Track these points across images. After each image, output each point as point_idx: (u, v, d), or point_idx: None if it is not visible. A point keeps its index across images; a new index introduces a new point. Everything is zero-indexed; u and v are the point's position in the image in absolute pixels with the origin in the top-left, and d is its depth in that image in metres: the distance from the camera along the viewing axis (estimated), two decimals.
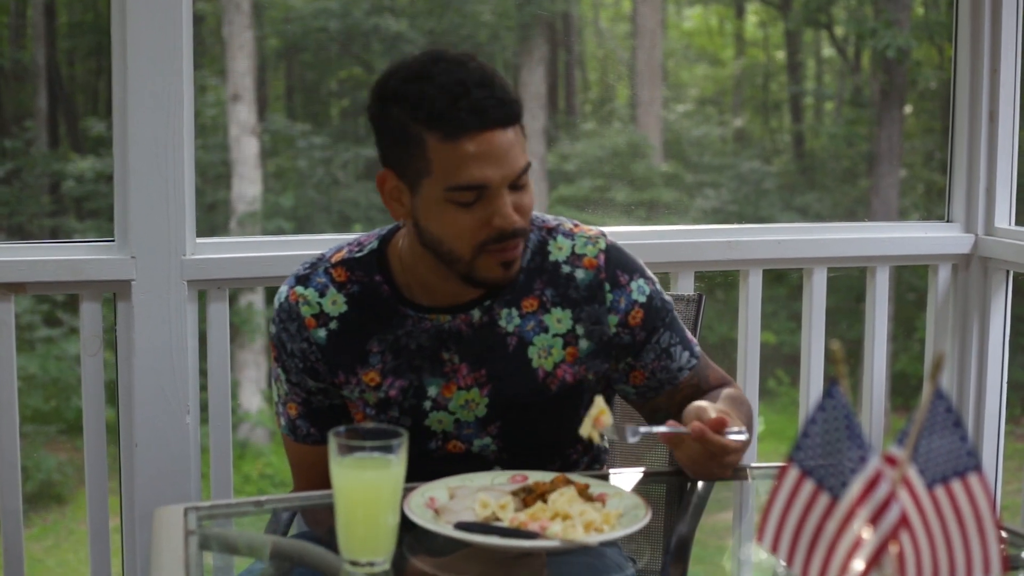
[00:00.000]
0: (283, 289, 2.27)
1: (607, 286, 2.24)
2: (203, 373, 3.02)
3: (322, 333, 2.21)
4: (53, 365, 9.06)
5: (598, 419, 2.03)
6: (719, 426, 2.00)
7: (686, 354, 2.31)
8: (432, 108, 2.03)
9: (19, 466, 2.92)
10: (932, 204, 11.46)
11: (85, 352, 2.94)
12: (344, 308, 2.22)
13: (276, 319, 2.26)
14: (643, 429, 2.06)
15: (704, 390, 2.34)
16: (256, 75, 10.69)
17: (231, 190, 10.31)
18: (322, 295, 2.22)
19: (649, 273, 2.31)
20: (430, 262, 2.15)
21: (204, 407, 3.05)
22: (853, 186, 11.96)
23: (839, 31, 12.29)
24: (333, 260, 2.26)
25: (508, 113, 2.05)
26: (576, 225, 2.30)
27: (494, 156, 2.04)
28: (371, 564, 1.74)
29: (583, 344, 2.23)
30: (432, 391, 2.21)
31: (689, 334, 2.35)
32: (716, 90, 12.85)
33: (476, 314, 2.20)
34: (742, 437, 2.02)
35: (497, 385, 2.21)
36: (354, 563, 1.75)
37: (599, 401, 2.05)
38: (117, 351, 2.94)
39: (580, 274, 2.23)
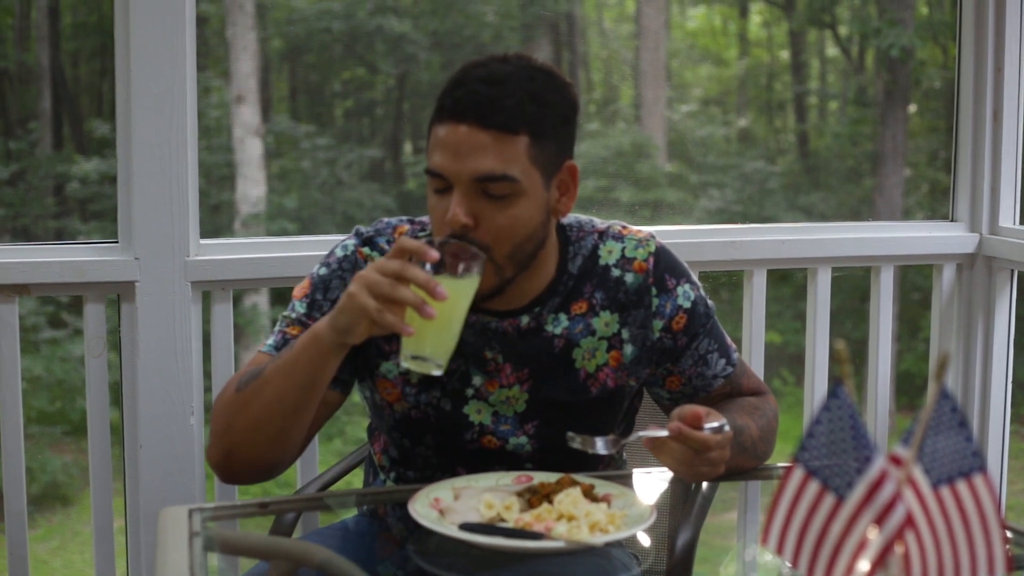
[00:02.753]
0: (348, 243, 2.26)
1: (654, 290, 2.24)
2: (207, 375, 3.01)
3: None
4: (58, 366, 9.07)
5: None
6: (695, 420, 1.98)
7: (722, 361, 2.31)
8: (440, 93, 2.08)
9: (24, 467, 2.92)
10: (936, 203, 11.45)
11: (89, 353, 2.94)
12: None
13: (332, 264, 2.24)
14: (613, 439, 2.06)
15: (734, 397, 2.33)
16: (260, 76, 10.69)
17: (235, 191, 10.32)
18: None
19: (694, 278, 2.30)
20: None
21: (208, 409, 3.04)
22: (857, 186, 11.95)
23: (843, 31, 12.29)
24: (396, 235, 2.26)
25: (489, 114, 2.04)
26: (624, 227, 2.29)
27: (457, 150, 2.04)
28: (431, 362, 1.93)
29: (628, 349, 2.23)
30: (476, 380, 2.21)
31: (729, 341, 2.34)
32: (720, 90, 12.85)
33: (524, 319, 2.20)
34: (718, 425, 2.00)
35: (538, 383, 2.21)
36: (415, 358, 1.92)
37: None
38: (121, 352, 2.94)
39: (630, 278, 2.23)
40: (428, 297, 1.88)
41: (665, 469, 2.07)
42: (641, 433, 2.02)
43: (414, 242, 1.90)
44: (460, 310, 1.96)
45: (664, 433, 1.98)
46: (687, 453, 1.98)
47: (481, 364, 2.20)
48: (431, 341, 1.92)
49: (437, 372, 1.94)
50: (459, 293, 1.94)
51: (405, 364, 1.93)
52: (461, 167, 2.04)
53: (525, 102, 2.05)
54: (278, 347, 2.20)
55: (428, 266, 1.92)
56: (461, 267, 1.93)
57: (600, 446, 2.05)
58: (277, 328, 2.24)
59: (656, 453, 2.01)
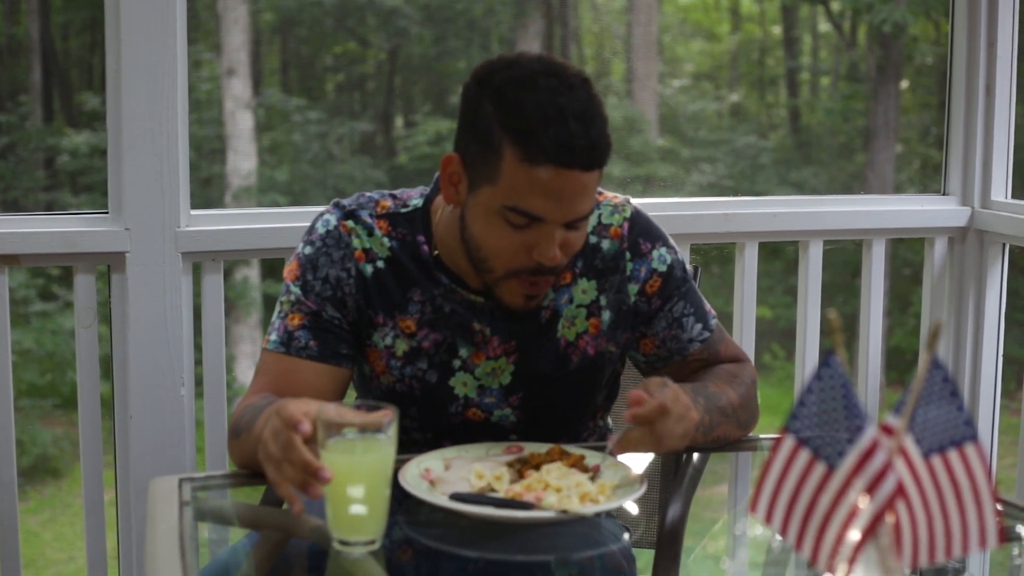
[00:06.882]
0: (329, 218, 2.22)
1: (628, 255, 2.23)
2: (198, 346, 3.01)
3: (369, 269, 2.19)
4: (48, 339, 9.06)
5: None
6: (637, 402, 1.95)
7: (699, 326, 2.30)
8: (522, 124, 1.98)
9: (14, 440, 2.92)
10: (927, 179, 11.47)
11: (79, 324, 2.93)
12: (388, 254, 2.20)
13: (316, 242, 2.21)
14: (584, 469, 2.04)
15: (712, 365, 2.32)
16: (251, 49, 10.67)
17: (226, 164, 10.30)
18: (370, 235, 2.20)
19: (671, 241, 2.30)
20: (463, 252, 2.14)
21: (199, 381, 3.04)
22: (849, 161, 11.96)
23: (835, 6, 12.28)
24: (378, 210, 2.23)
25: (593, 158, 2.00)
26: (601, 193, 2.27)
27: (563, 195, 1.99)
28: (361, 543, 1.73)
29: (606, 316, 2.23)
30: (463, 352, 2.20)
31: (708, 307, 2.33)
32: (712, 65, 12.84)
33: None
34: (658, 381, 1.99)
35: (524, 355, 2.21)
36: (344, 543, 1.74)
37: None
38: (112, 324, 2.94)
39: (606, 244, 2.23)
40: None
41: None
42: (608, 448, 1.99)
43: (291, 414, 1.74)
44: (376, 478, 1.73)
45: (624, 428, 1.96)
46: (653, 432, 1.95)
47: (468, 336, 2.19)
48: (346, 522, 1.74)
49: (370, 548, 1.74)
50: (373, 457, 1.73)
51: (336, 547, 1.76)
52: (565, 211, 2.01)
53: (608, 135, 2.04)
54: (283, 342, 2.18)
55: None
56: (375, 428, 1.73)
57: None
58: (277, 317, 2.22)
59: (631, 449, 1.99)
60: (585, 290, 2.22)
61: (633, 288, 2.24)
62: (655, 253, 2.25)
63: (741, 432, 2.24)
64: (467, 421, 2.22)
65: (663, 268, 2.25)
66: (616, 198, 2.28)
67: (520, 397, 2.22)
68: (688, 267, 2.32)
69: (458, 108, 2.11)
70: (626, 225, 2.24)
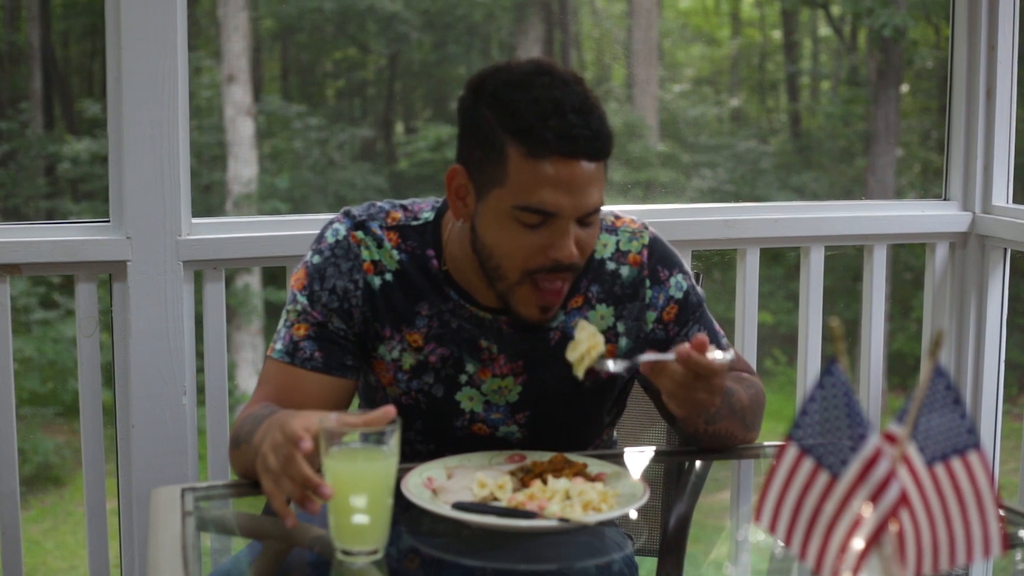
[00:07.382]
0: (339, 227, 2.21)
1: (647, 282, 2.23)
2: (199, 355, 3.01)
3: (377, 281, 2.18)
4: (50, 347, 9.06)
5: (591, 350, 2.00)
6: (701, 347, 1.96)
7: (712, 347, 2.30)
8: (522, 121, 1.98)
9: (16, 449, 2.92)
10: (928, 183, 11.47)
11: (81, 333, 2.93)
12: (397, 266, 2.19)
13: (324, 251, 2.20)
14: (621, 362, 2.04)
15: None
16: (251, 56, 10.68)
17: (227, 171, 10.30)
18: (380, 246, 2.19)
19: (686, 266, 2.30)
20: (476, 266, 2.12)
21: (201, 389, 3.04)
22: (849, 165, 11.97)
23: (835, 10, 12.29)
24: (389, 221, 2.22)
25: (597, 147, 2.00)
26: (617, 218, 2.27)
27: (572, 186, 1.99)
28: (364, 553, 1.73)
29: (622, 342, 2.23)
30: (470, 368, 2.20)
31: (717, 326, 2.33)
32: (712, 70, 12.85)
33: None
34: (727, 356, 1.98)
35: (532, 375, 2.20)
36: (346, 552, 1.74)
37: (591, 331, 2.03)
38: (113, 333, 2.94)
39: (625, 271, 2.22)
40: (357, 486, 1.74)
41: (654, 448, 2.04)
42: (643, 357, 1.99)
43: (293, 430, 1.76)
44: (379, 487, 1.73)
45: (669, 357, 1.95)
46: (688, 376, 1.96)
47: (475, 352, 2.19)
48: (349, 531, 1.74)
49: (373, 558, 1.74)
50: (375, 466, 1.73)
51: (340, 557, 1.76)
52: (576, 204, 2.01)
53: (609, 127, 2.04)
54: (288, 352, 2.18)
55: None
56: (377, 438, 1.73)
57: (609, 365, 2.02)
58: (283, 325, 2.22)
59: (654, 376, 1.98)
60: (603, 316, 2.21)
61: (651, 315, 2.24)
62: (672, 280, 2.25)
63: (743, 432, 2.23)
64: (472, 435, 2.22)
65: (679, 295, 2.25)
66: (633, 223, 2.27)
67: (527, 415, 2.21)
68: (700, 290, 2.31)
69: (456, 121, 2.11)
70: (645, 252, 2.24)
